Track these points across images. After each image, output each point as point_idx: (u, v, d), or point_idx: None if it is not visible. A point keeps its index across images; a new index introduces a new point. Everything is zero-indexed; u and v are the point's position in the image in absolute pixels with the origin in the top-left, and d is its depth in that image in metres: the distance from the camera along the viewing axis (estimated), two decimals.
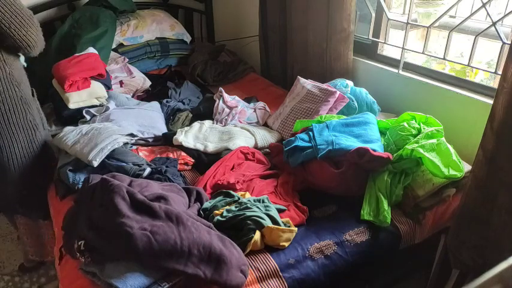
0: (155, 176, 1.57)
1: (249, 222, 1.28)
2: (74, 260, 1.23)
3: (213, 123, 2.07)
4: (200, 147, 1.82)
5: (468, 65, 1.81)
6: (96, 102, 2.10)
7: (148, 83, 2.52)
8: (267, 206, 1.38)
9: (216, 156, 1.77)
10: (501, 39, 1.64)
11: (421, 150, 1.44)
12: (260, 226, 1.27)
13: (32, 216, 1.83)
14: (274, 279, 1.22)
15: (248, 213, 1.30)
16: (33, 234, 1.88)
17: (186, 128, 1.95)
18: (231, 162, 1.69)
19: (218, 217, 1.33)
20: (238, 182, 1.55)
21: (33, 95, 1.70)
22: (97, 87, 2.11)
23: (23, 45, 1.47)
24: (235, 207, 1.38)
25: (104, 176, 1.29)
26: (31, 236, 1.89)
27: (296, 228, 1.35)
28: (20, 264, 2.06)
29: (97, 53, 2.25)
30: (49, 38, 2.49)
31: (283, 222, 1.35)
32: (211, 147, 1.82)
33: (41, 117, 1.75)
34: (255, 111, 2.20)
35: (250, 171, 1.65)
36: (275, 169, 1.73)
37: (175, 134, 1.89)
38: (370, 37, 2.28)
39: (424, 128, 1.59)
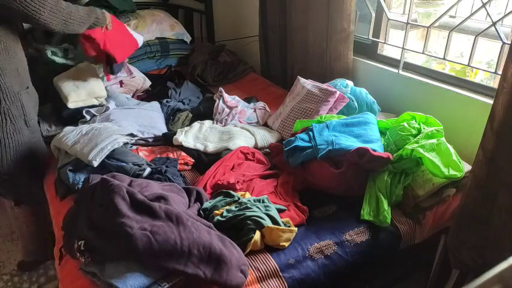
0: (155, 176, 1.57)
1: (249, 222, 1.28)
2: (74, 260, 1.23)
3: (213, 123, 2.07)
4: (200, 147, 1.82)
5: (468, 65, 1.81)
6: (96, 102, 2.10)
7: (148, 83, 2.52)
8: (267, 206, 1.38)
9: (216, 156, 1.77)
10: (501, 39, 1.64)
11: (421, 150, 1.44)
12: (260, 226, 1.27)
13: (7, 197, 1.86)
14: (274, 279, 1.22)
15: (248, 213, 1.30)
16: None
17: (186, 128, 1.95)
18: (231, 162, 1.69)
19: (218, 217, 1.33)
20: (238, 182, 1.55)
21: (26, 89, 1.70)
22: (96, 86, 2.11)
23: (28, 11, 1.47)
24: (235, 207, 1.38)
25: (104, 176, 1.29)
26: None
27: (296, 228, 1.35)
28: (20, 261, 2.06)
29: (138, 42, 2.21)
30: (49, 38, 2.50)
31: (283, 222, 1.35)
32: (211, 147, 1.82)
33: (24, 113, 1.69)
34: (255, 111, 2.20)
35: (250, 171, 1.65)
36: (275, 169, 1.73)
37: (175, 134, 1.89)
38: (370, 37, 2.28)
39: (424, 128, 1.59)
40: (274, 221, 1.31)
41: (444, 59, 1.90)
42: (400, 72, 2.11)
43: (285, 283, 1.22)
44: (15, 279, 2.01)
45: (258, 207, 1.35)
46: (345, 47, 2.23)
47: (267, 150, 1.87)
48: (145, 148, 1.88)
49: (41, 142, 1.85)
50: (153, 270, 1.11)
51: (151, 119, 2.03)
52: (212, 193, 1.54)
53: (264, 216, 1.30)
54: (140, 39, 2.23)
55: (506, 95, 1.20)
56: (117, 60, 2.04)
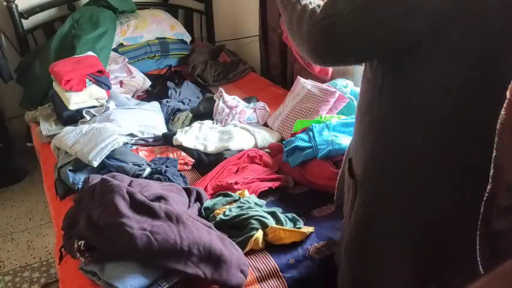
0: (155, 176, 1.57)
1: (252, 221, 1.28)
2: (74, 260, 1.23)
3: (213, 123, 2.07)
4: (200, 147, 1.82)
5: None
6: (96, 103, 2.09)
7: (148, 83, 2.52)
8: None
9: (216, 156, 1.77)
10: None
11: None
12: (264, 226, 1.27)
13: None
14: (274, 279, 1.22)
15: (252, 213, 1.30)
16: None
17: (186, 128, 1.95)
18: (236, 165, 1.68)
19: (221, 216, 1.33)
20: (237, 183, 1.55)
21: None
22: (97, 88, 2.10)
23: None
24: (238, 206, 1.38)
25: (104, 176, 1.29)
26: None
27: (310, 229, 1.35)
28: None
29: (96, 55, 2.24)
30: (49, 38, 2.50)
31: (291, 219, 1.35)
32: (211, 147, 1.82)
33: None
34: (255, 111, 2.19)
35: (252, 175, 1.64)
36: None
37: (175, 134, 1.90)
38: None
39: None
40: (277, 219, 1.32)
41: None
42: None
43: (285, 283, 1.22)
44: (16, 279, 2.01)
45: (259, 206, 1.36)
46: None
47: (267, 150, 1.87)
48: (145, 148, 1.88)
49: None
50: (153, 270, 1.11)
51: (151, 119, 2.03)
52: (213, 194, 1.54)
53: (267, 216, 1.30)
54: (89, 53, 2.23)
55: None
56: (103, 71, 2.10)
